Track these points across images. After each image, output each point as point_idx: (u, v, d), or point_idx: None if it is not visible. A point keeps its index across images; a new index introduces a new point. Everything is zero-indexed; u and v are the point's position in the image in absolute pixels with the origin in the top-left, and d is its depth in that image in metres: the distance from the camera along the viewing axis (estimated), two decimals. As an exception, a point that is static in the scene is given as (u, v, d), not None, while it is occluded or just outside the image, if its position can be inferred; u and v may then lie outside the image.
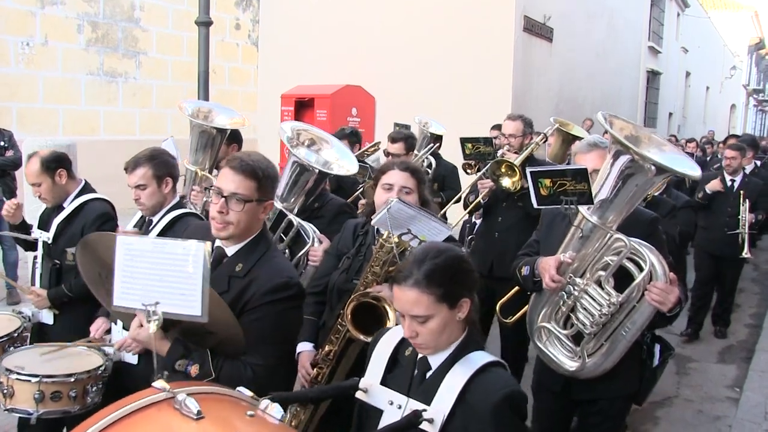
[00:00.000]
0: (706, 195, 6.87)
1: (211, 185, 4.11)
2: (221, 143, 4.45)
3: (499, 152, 5.20)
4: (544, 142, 5.37)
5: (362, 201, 5.19)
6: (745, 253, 6.54)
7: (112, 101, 11.85)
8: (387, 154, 5.68)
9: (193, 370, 2.28)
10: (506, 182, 4.87)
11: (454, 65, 12.60)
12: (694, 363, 6.59)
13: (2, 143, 7.21)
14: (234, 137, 4.70)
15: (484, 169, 5.19)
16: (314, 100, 12.16)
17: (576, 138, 5.96)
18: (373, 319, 2.74)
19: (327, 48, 13.80)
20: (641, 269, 2.71)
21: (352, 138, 6.16)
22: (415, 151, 6.33)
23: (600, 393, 3.03)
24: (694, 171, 2.82)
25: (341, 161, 3.94)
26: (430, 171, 6.42)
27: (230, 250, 2.54)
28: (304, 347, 3.06)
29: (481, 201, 5.17)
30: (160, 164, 3.34)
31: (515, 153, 5.08)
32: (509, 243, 4.71)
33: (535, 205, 2.95)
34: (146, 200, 3.32)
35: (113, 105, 11.82)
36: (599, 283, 2.82)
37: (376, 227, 3.06)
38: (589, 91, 16.97)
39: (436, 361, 2.03)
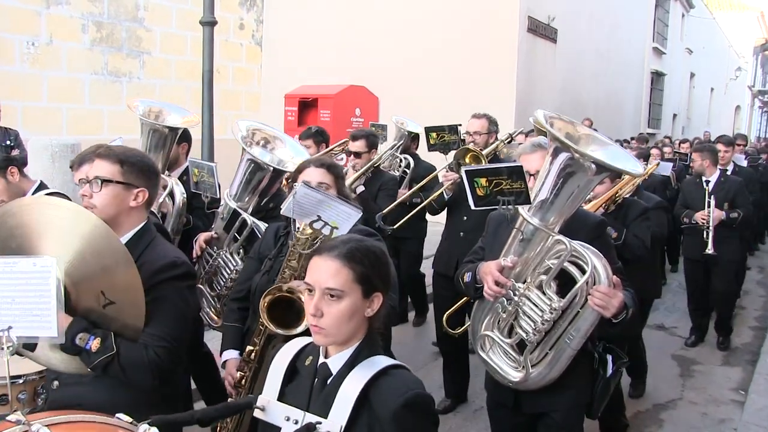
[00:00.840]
0: (690, 222, 6.84)
1: (165, 186, 4.17)
2: (173, 143, 4.41)
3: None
4: (509, 142, 5.29)
5: None
6: (708, 250, 6.54)
7: (116, 100, 11.85)
8: (348, 153, 5.63)
9: (95, 344, 2.24)
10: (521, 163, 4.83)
11: (458, 66, 12.58)
12: (699, 365, 6.57)
13: (8, 142, 7.21)
14: (184, 137, 4.65)
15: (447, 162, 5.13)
16: (318, 101, 12.15)
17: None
18: (292, 314, 2.70)
19: (331, 48, 13.80)
20: (584, 273, 2.59)
21: (318, 137, 6.02)
22: (390, 151, 6.44)
23: (550, 405, 2.91)
24: (635, 168, 2.78)
25: (296, 159, 3.91)
26: (408, 171, 6.40)
27: None
28: (230, 355, 3.01)
29: (444, 196, 5.05)
30: None
31: (482, 149, 5.00)
32: (476, 243, 4.65)
33: (472, 207, 2.85)
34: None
35: (117, 104, 11.82)
36: (540, 288, 2.72)
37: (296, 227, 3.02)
38: (593, 92, 16.94)
39: (335, 364, 1.90)
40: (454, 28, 12.73)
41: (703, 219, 6.62)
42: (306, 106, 12.29)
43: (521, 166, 2.73)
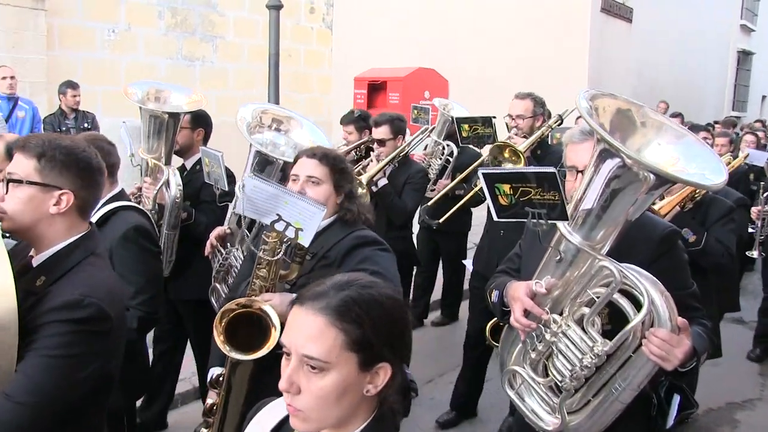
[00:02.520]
0: None
1: (164, 175, 3.80)
2: (176, 128, 4.01)
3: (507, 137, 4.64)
4: (559, 124, 4.70)
5: None
6: (752, 252, 6.08)
7: (190, 84, 12.16)
8: (372, 141, 5.00)
9: None
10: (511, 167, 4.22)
11: (529, 47, 12.33)
12: (783, 364, 6.17)
13: (86, 124, 7.55)
14: (198, 120, 4.22)
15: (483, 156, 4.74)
16: (387, 83, 12.17)
17: None
18: (260, 332, 2.31)
19: (400, 31, 13.74)
20: (640, 307, 2.00)
21: (360, 123, 5.43)
22: (433, 136, 5.80)
23: None
24: (714, 177, 1.97)
25: (316, 144, 3.46)
26: (451, 159, 5.82)
27: (35, 260, 2.01)
28: (216, 372, 2.65)
29: (480, 193, 4.68)
30: None
31: (524, 137, 4.50)
32: (517, 242, 4.28)
33: (495, 218, 2.34)
34: None
35: (191, 87, 12.15)
36: (581, 324, 2.15)
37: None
38: (671, 74, 16.32)
39: None
40: (525, 9, 12.47)
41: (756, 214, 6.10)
42: (375, 88, 12.32)
43: (554, 173, 2.15)
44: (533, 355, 2.30)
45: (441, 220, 5.55)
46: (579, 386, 2.19)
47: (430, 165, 5.82)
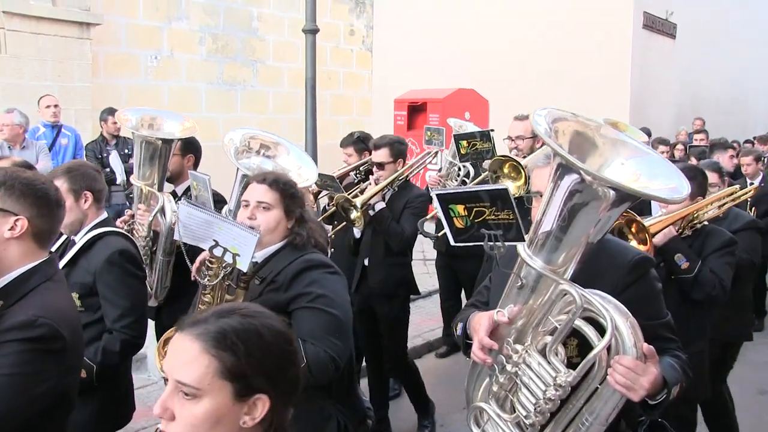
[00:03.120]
0: None
1: (159, 202, 3.80)
2: (169, 154, 3.99)
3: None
4: None
5: None
6: None
7: (231, 108, 12.35)
8: (372, 164, 4.80)
9: None
10: (508, 186, 4.14)
11: (570, 66, 12.19)
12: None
13: (126, 150, 7.66)
14: (189, 147, 4.23)
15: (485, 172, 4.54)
16: (426, 104, 12.14)
17: None
18: None
19: (440, 52, 13.75)
20: (605, 333, 1.86)
21: (360, 145, 5.27)
22: (448, 157, 5.47)
23: None
24: (675, 192, 1.88)
25: (303, 170, 3.52)
26: (467, 180, 5.54)
27: None
28: None
29: None
30: (77, 177, 2.99)
31: (524, 158, 4.46)
32: None
33: (452, 242, 2.24)
34: None
35: (232, 111, 12.32)
36: (544, 354, 1.98)
37: None
38: (716, 90, 15.95)
39: None
40: (565, 26, 12.36)
41: None
42: (415, 110, 12.31)
43: (506, 190, 2.10)
44: (495, 389, 2.13)
45: (464, 243, 5.32)
46: (545, 422, 2.01)
47: (446, 187, 5.47)
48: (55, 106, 7.45)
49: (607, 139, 2.01)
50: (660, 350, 2.01)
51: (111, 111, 7.88)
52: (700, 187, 3.67)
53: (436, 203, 2.21)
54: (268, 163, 3.58)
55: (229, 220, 2.45)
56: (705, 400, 4.05)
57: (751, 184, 6.43)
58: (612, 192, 1.79)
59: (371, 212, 4.52)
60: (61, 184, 2.86)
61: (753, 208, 6.16)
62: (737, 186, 4.44)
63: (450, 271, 6.20)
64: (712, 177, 4.23)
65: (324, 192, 5.04)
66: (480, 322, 2.10)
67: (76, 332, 2.17)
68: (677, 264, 3.58)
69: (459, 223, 2.18)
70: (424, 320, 7.10)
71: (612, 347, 1.88)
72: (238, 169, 3.54)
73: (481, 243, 2.12)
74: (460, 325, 2.41)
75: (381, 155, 4.64)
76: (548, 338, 1.98)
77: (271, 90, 13.02)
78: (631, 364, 1.83)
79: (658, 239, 3.56)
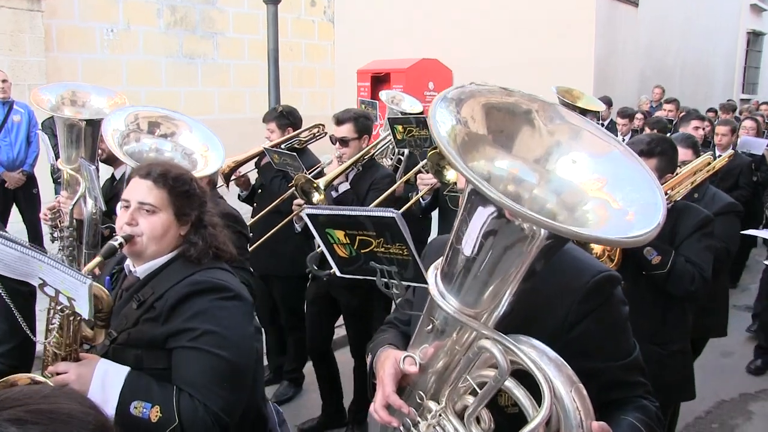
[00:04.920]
0: None
1: (81, 188, 3.34)
2: (97, 134, 3.55)
3: None
4: None
5: None
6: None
7: (192, 82, 12.10)
8: (333, 140, 4.32)
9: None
10: (452, 175, 3.80)
11: (533, 34, 12.15)
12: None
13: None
14: None
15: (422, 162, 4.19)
16: (390, 75, 12.03)
17: (587, 112, 4.55)
18: None
19: (402, 22, 13.59)
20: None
21: (282, 120, 4.84)
22: (382, 133, 4.94)
23: None
24: (643, 224, 1.22)
25: (210, 154, 2.91)
26: (402, 159, 5.18)
27: None
28: None
29: (421, 202, 4.23)
30: None
31: None
32: None
33: (337, 273, 1.81)
34: None
35: (193, 85, 12.08)
36: (463, 418, 1.50)
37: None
38: (680, 57, 16.07)
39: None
40: (529, -5, 12.29)
41: None
42: (378, 81, 12.20)
43: (393, 218, 1.58)
44: None
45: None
46: None
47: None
48: (3, 81, 7.16)
49: (552, 124, 1.42)
50: (622, 402, 1.65)
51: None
52: (670, 162, 3.11)
53: (309, 225, 1.72)
54: (165, 144, 2.96)
55: (49, 259, 1.86)
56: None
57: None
58: (543, 232, 1.27)
59: (334, 194, 4.22)
60: None
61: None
62: (710, 155, 3.79)
63: None
64: (685, 154, 3.61)
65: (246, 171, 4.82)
66: (384, 368, 1.61)
67: None
68: (647, 259, 3.02)
69: (342, 252, 1.72)
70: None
71: (552, 420, 1.36)
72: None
73: (374, 278, 1.68)
74: (369, 357, 1.86)
75: (344, 130, 4.25)
76: (469, 400, 1.48)
77: (232, 62, 12.76)
78: None
79: None
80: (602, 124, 8.92)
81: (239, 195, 5.01)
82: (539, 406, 1.32)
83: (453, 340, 1.49)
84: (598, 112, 6.17)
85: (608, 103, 10.00)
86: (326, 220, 1.68)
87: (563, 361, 1.40)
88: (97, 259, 2.14)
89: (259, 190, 4.92)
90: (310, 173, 4.27)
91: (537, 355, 1.38)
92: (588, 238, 1.31)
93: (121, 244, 2.11)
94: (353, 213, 1.65)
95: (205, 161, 2.87)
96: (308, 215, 1.71)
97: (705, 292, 3.13)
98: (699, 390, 3.48)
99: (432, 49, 12.40)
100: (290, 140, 4.80)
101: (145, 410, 1.98)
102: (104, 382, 2.00)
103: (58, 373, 2.01)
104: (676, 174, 3.26)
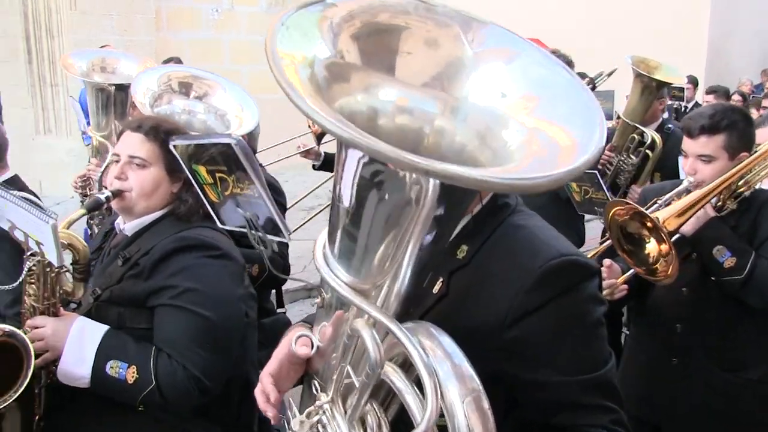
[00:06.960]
0: None
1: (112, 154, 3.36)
2: (126, 100, 3.49)
3: None
4: (592, 89, 3.63)
5: None
6: None
7: (292, 61, 12.36)
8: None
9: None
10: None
11: (643, 13, 11.64)
12: None
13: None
14: None
15: None
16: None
17: (664, 85, 4.11)
18: (13, 368, 1.89)
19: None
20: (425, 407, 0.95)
21: None
22: None
23: None
24: (574, 159, 0.86)
25: (245, 113, 2.80)
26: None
27: None
28: None
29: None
30: None
31: None
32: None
33: (218, 223, 1.67)
34: None
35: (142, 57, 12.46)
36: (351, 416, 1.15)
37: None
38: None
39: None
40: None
41: None
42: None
43: (229, 145, 1.34)
44: None
45: None
46: None
47: None
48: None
49: (462, 40, 1.06)
50: (578, 429, 1.25)
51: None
52: (742, 137, 2.49)
53: (180, 160, 1.47)
54: (198, 105, 2.86)
55: (17, 197, 1.79)
56: None
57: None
58: (433, 183, 0.91)
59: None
60: None
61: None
62: None
63: None
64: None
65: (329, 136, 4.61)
66: (279, 350, 1.34)
67: None
68: (717, 261, 2.42)
69: (212, 195, 1.46)
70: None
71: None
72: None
73: (244, 230, 1.35)
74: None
75: None
76: (353, 399, 1.15)
77: (331, 42, 12.98)
78: None
79: (689, 227, 2.43)
80: (685, 107, 8.25)
81: (313, 165, 4.90)
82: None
83: (345, 318, 1.14)
84: (683, 88, 5.62)
85: (694, 83, 9.33)
86: (186, 151, 1.54)
87: (465, 360, 1.01)
88: (80, 211, 2.16)
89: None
90: None
91: (431, 343, 1.02)
92: (468, 181, 0.80)
93: (108, 198, 2.06)
94: (202, 140, 1.51)
95: (239, 122, 2.78)
96: (172, 145, 1.71)
97: None
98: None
99: (531, 29, 12.10)
100: None
101: (121, 370, 1.93)
102: (81, 339, 1.95)
103: (36, 327, 1.98)
104: (754, 153, 2.52)
